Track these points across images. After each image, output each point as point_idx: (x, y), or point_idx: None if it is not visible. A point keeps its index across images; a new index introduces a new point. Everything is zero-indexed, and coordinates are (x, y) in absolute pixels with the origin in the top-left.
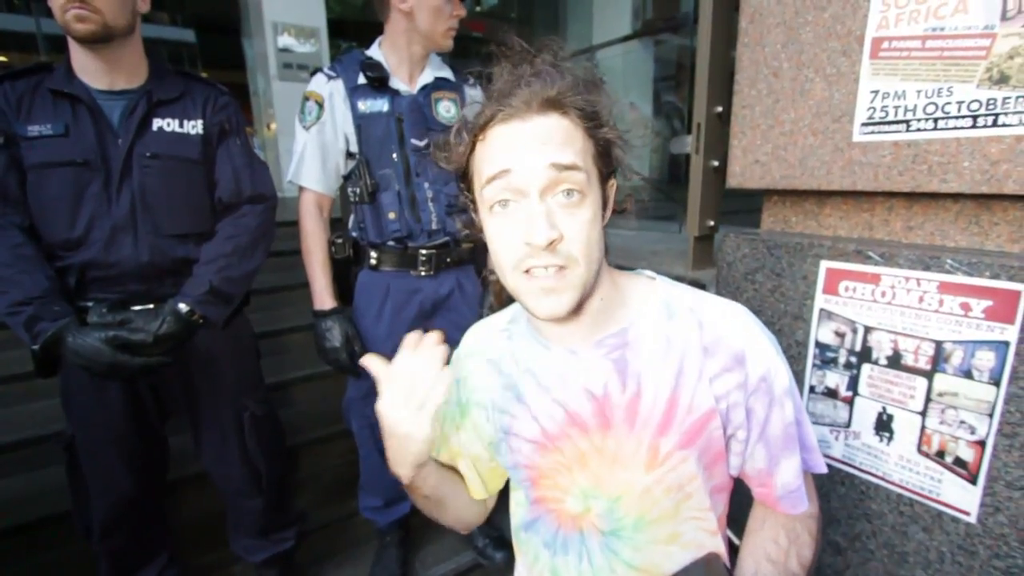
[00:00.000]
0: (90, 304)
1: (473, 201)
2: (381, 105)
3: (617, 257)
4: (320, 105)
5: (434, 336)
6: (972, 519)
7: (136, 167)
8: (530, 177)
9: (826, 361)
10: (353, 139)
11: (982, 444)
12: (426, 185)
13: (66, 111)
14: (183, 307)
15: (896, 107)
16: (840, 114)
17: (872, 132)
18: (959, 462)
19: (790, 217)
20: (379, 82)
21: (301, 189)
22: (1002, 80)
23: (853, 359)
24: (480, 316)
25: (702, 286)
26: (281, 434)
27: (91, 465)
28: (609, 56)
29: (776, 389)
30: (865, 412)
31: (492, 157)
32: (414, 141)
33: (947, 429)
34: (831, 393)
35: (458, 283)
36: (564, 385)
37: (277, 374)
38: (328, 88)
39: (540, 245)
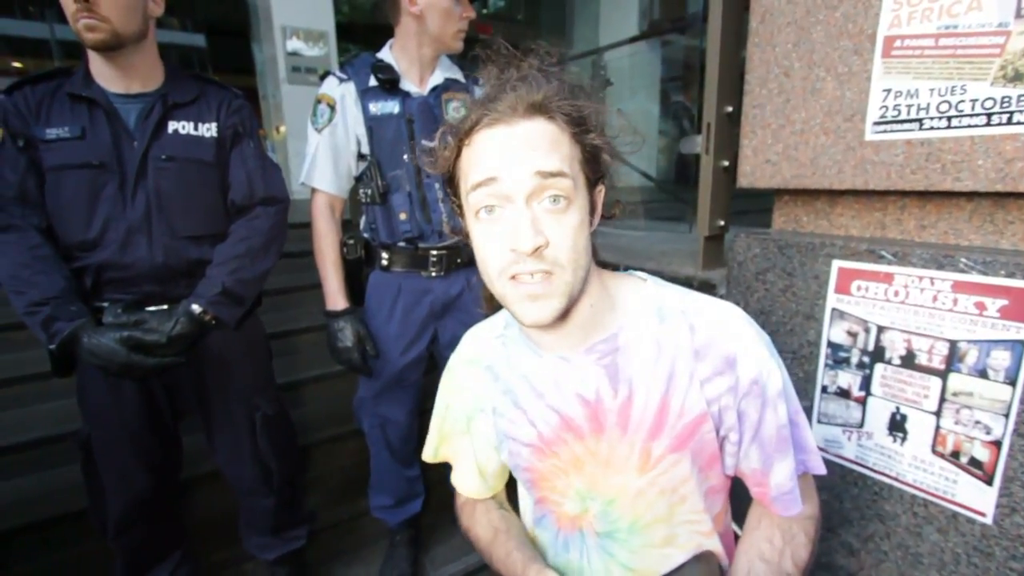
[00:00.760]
0: (105, 305)
1: (459, 206)
2: (392, 107)
3: (626, 257)
4: (332, 108)
5: None
6: (988, 520)
7: (151, 169)
8: (516, 184)
9: (838, 361)
10: (365, 141)
11: (998, 444)
12: (436, 186)
13: (83, 114)
14: (196, 308)
15: (909, 106)
16: (852, 113)
17: (884, 131)
18: (974, 462)
19: (801, 217)
20: (390, 84)
21: (313, 191)
22: (1017, 78)
23: (866, 359)
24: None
25: (712, 286)
26: (293, 434)
27: (106, 463)
28: (616, 57)
29: (769, 391)
30: (878, 412)
31: (478, 163)
32: (425, 142)
33: (962, 429)
34: (844, 393)
35: (468, 283)
36: (557, 391)
37: (289, 374)
38: (340, 91)
39: (526, 251)
